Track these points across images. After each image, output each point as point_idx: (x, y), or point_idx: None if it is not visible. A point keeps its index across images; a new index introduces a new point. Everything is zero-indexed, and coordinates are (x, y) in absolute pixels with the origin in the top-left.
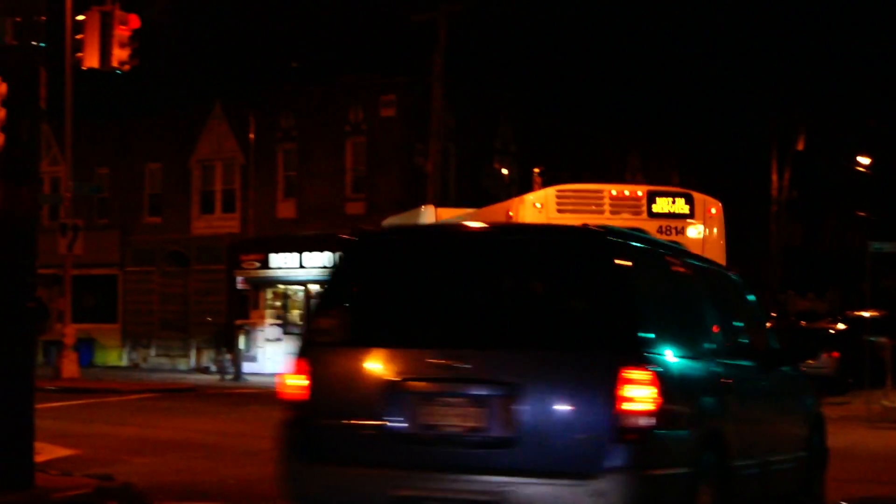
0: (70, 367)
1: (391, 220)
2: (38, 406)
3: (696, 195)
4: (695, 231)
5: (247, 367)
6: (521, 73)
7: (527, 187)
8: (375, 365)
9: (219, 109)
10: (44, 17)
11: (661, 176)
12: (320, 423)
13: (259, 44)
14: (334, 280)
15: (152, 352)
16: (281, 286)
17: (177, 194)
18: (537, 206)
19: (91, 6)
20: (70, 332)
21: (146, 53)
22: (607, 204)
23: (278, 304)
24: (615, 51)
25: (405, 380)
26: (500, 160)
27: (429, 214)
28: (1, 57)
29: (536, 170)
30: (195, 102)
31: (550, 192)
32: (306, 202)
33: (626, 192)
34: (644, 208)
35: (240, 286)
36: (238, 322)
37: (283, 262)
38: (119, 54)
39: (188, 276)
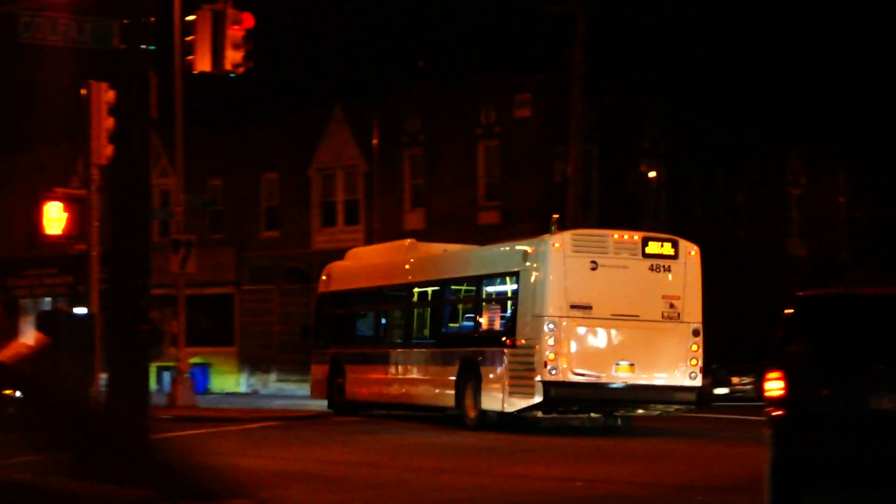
0: (185, 394)
1: (356, 251)
2: (153, 437)
3: (681, 241)
4: (678, 269)
5: None
6: (670, 68)
7: (677, 191)
8: (837, 373)
9: (339, 114)
10: (153, 19)
11: (827, 177)
12: (798, 410)
13: (382, 43)
14: (792, 320)
15: (272, 377)
16: None
17: (296, 206)
18: (556, 247)
19: (202, 5)
20: (184, 356)
21: (261, 55)
22: (611, 246)
23: None
24: (773, 42)
25: (861, 381)
26: (647, 163)
27: (413, 249)
28: (109, 62)
29: (555, 216)
30: (314, 107)
31: (567, 235)
32: (435, 212)
33: (626, 237)
34: (639, 250)
35: None
36: None
37: None
38: (232, 56)
39: (309, 295)
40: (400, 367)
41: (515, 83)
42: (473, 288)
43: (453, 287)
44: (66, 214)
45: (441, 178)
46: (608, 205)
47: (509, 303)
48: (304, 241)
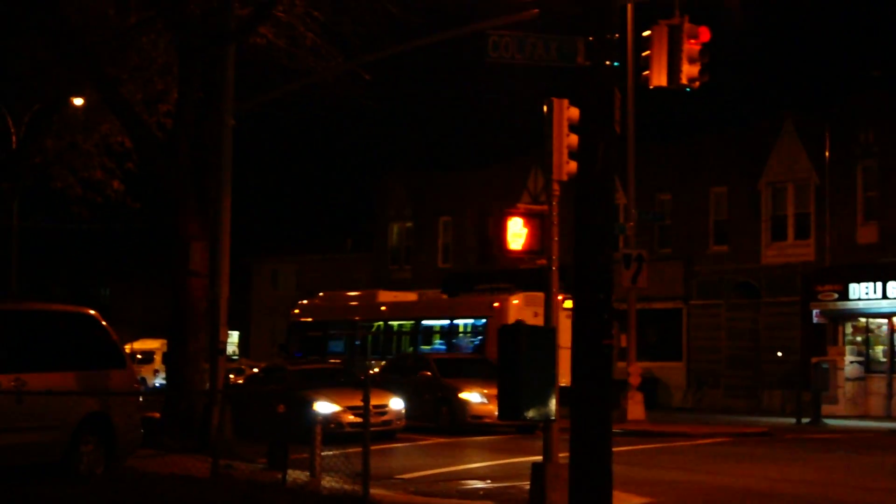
0: (635, 408)
1: (325, 294)
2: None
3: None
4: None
5: (825, 408)
6: None
7: None
8: None
9: (790, 125)
10: (616, 35)
11: None
12: None
13: (834, 51)
14: None
15: (720, 392)
16: (861, 319)
17: (744, 220)
18: (515, 302)
19: (657, 20)
20: (635, 370)
21: (712, 66)
22: (539, 303)
23: (859, 339)
24: None
25: None
26: None
27: (380, 295)
28: (573, 79)
29: (511, 285)
30: (763, 118)
31: (521, 295)
32: (889, 225)
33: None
34: (562, 306)
35: (816, 320)
36: (814, 360)
37: (863, 293)
38: (688, 70)
39: (758, 310)
40: None
41: None
42: (447, 322)
43: (424, 322)
44: (526, 230)
45: (895, 191)
46: None
47: (479, 334)
48: (753, 256)
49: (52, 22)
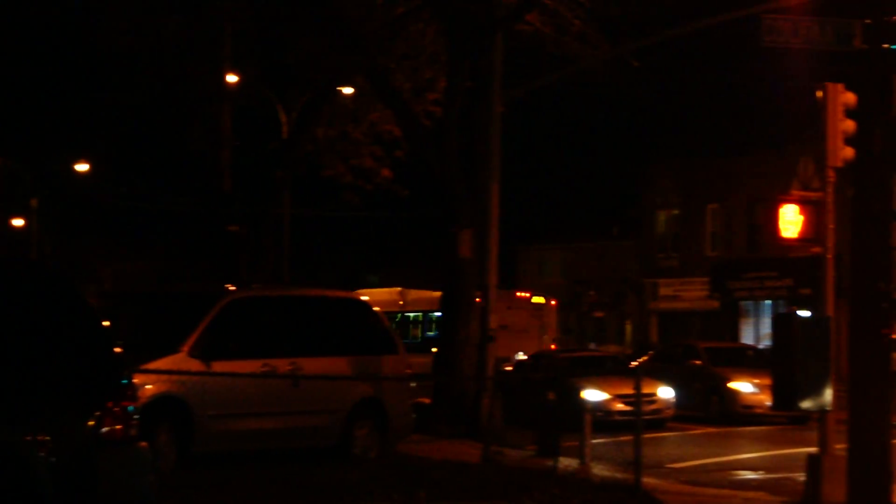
0: None
1: (356, 293)
2: None
3: (544, 297)
4: (546, 311)
5: None
6: None
7: None
8: None
9: None
10: (895, 17)
11: None
12: None
13: None
14: None
15: None
16: None
17: None
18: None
19: None
20: None
21: None
22: (516, 298)
23: None
24: None
25: None
26: None
27: (403, 294)
28: (849, 64)
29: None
30: None
31: (506, 293)
32: None
33: (523, 294)
34: (529, 300)
35: None
36: None
37: None
38: None
39: None
40: None
41: None
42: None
43: (430, 314)
44: (801, 217)
45: None
46: None
47: None
48: None
49: (324, 13)
